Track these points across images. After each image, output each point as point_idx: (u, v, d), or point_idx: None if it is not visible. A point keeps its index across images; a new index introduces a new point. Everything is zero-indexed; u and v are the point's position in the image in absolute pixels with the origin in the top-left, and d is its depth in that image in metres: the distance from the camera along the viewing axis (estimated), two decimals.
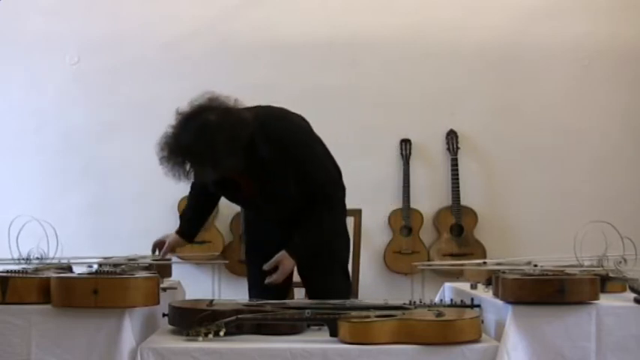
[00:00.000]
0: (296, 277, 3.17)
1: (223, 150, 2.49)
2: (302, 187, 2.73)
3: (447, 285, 3.21)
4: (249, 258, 3.12)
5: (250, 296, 2.93)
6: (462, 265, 3.49)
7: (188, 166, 2.53)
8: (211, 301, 2.50)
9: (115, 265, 2.59)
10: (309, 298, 2.94)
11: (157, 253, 3.10)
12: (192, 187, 3.07)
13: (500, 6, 4.84)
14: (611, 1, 4.88)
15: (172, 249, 3.11)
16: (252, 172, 2.66)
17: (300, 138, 2.77)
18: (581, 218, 2.84)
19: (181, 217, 3.30)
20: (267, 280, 2.75)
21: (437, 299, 3.08)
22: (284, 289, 2.93)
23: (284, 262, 2.76)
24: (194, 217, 3.17)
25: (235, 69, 4.75)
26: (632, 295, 2.48)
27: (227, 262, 4.52)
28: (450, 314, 2.27)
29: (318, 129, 2.92)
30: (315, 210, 2.78)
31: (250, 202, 2.88)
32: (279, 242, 2.82)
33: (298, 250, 2.78)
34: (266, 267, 2.76)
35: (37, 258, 2.61)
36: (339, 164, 2.93)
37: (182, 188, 4.63)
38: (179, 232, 3.14)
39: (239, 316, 2.28)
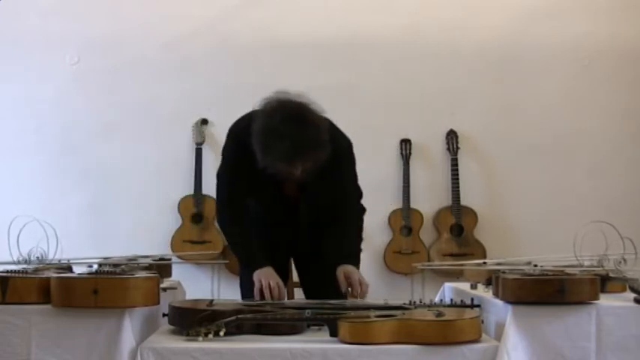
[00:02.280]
0: (295, 278, 3.18)
1: (327, 147, 2.54)
2: (340, 194, 2.84)
3: (447, 285, 3.21)
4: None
5: (244, 297, 2.90)
6: (461, 265, 3.49)
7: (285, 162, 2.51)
8: (211, 301, 2.50)
9: (115, 265, 2.59)
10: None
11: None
12: (235, 207, 2.86)
13: (500, 6, 4.84)
14: (611, 1, 4.88)
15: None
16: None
17: (351, 148, 2.88)
18: (581, 218, 2.84)
19: (251, 250, 2.85)
20: (354, 297, 2.69)
21: (437, 299, 3.08)
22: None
23: (353, 274, 2.75)
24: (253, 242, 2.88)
25: (235, 69, 4.75)
26: (632, 295, 2.48)
27: (227, 262, 4.52)
28: (450, 314, 2.27)
29: None
30: (349, 218, 2.90)
31: (284, 201, 2.84)
32: (288, 245, 2.89)
33: (355, 260, 2.84)
34: (345, 289, 2.72)
35: (37, 258, 2.61)
36: None
37: (182, 188, 4.71)
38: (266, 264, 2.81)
39: (239, 316, 2.28)
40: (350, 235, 2.90)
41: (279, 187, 2.78)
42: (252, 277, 2.75)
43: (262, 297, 2.68)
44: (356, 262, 2.85)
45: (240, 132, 2.71)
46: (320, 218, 2.87)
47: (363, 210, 3.01)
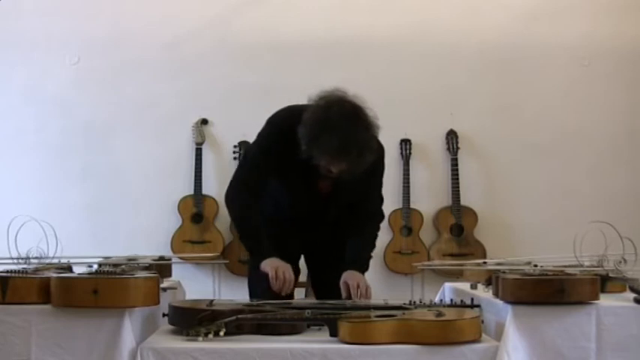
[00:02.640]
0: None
1: (373, 152, 2.59)
2: (365, 198, 2.89)
3: (447, 285, 3.21)
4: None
5: (254, 295, 2.89)
6: (461, 265, 3.49)
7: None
8: (211, 301, 2.50)
9: (115, 265, 2.59)
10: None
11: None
12: (248, 196, 2.82)
13: (500, 6, 4.84)
14: (611, 1, 4.88)
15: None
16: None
17: (384, 157, 2.90)
18: (581, 218, 2.85)
19: (261, 239, 2.82)
20: (358, 300, 2.69)
21: (437, 299, 3.08)
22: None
23: (361, 280, 2.78)
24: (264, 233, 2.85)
25: (235, 69, 4.75)
26: (632, 295, 2.48)
27: (227, 261, 4.52)
28: (450, 314, 2.27)
29: None
30: (368, 226, 2.94)
31: (314, 196, 2.84)
32: (303, 241, 2.92)
33: (361, 266, 2.85)
34: (355, 295, 2.72)
35: (37, 258, 2.61)
36: None
37: (182, 188, 4.71)
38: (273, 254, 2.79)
39: (239, 316, 2.28)
40: (365, 243, 2.93)
41: (314, 182, 2.78)
42: (262, 265, 2.73)
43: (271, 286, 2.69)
44: (362, 268, 2.86)
45: (285, 120, 2.71)
46: (342, 217, 2.91)
47: (382, 217, 3.05)
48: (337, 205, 2.89)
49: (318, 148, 2.53)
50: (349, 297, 2.72)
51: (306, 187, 2.80)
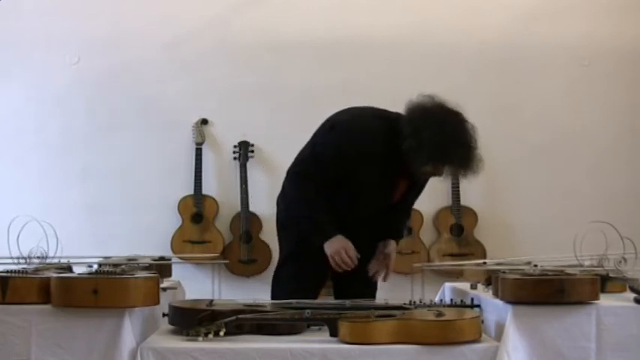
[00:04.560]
0: None
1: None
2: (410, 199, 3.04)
3: (447, 285, 3.21)
4: (302, 259, 2.94)
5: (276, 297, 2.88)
6: (461, 265, 3.49)
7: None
8: (211, 301, 2.50)
9: (115, 265, 2.59)
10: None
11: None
12: (316, 190, 2.81)
13: (500, 6, 4.84)
14: (611, 1, 4.88)
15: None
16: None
17: None
18: (581, 218, 2.85)
19: (322, 221, 2.81)
20: (375, 275, 2.92)
21: (437, 299, 3.08)
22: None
23: (392, 251, 2.97)
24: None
25: (235, 69, 4.75)
26: (632, 295, 2.48)
27: (227, 261, 4.52)
28: (450, 314, 2.27)
29: None
30: (404, 215, 3.10)
31: (382, 206, 2.88)
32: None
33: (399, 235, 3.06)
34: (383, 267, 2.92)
35: (37, 258, 2.61)
36: None
37: (182, 188, 4.71)
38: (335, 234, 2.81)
39: (239, 316, 2.28)
40: (401, 215, 3.08)
41: (391, 190, 2.84)
42: (325, 246, 2.78)
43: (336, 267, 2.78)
44: (398, 235, 3.06)
45: (377, 129, 2.75)
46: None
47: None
48: (401, 207, 3.00)
49: (444, 158, 2.64)
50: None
51: (381, 191, 2.82)
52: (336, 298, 2.96)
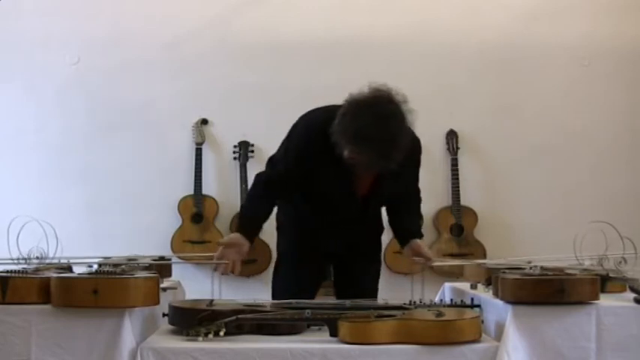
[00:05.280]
0: None
1: (405, 145, 2.56)
2: (408, 188, 2.97)
3: (447, 285, 3.21)
4: (298, 259, 2.96)
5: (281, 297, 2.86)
6: (461, 265, 3.49)
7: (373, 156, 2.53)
8: (211, 301, 2.50)
9: (115, 265, 2.59)
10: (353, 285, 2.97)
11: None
12: (271, 189, 2.87)
13: (500, 6, 4.84)
14: (611, 1, 4.88)
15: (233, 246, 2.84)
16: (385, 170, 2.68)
17: (421, 149, 2.94)
18: (581, 218, 2.84)
19: (252, 219, 2.87)
20: (417, 267, 3.06)
21: (437, 299, 3.08)
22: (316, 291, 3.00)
23: (422, 248, 2.94)
24: (262, 220, 2.88)
25: (235, 69, 4.75)
26: (632, 295, 2.48)
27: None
28: (450, 314, 2.27)
29: None
30: (413, 205, 3.05)
31: (349, 201, 2.82)
32: (341, 245, 2.92)
33: (420, 235, 3.02)
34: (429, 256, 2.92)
35: (37, 258, 2.61)
36: None
37: (182, 188, 4.71)
38: (247, 233, 2.82)
39: (239, 316, 2.28)
40: (416, 213, 3.08)
41: (349, 184, 2.77)
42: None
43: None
44: (420, 236, 3.02)
45: (320, 123, 2.67)
46: (375, 217, 2.99)
47: (420, 200, 3.14)
48: (376, 205, 2.93)
49: (340, 133, 2.53)
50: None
51: (341, 187, 2.77)
52: (338, 297, 2.97)
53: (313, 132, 2.72)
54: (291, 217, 2.97)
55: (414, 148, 2.75)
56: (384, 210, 3.07)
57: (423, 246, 2.95)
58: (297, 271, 2.92)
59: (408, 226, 3.00)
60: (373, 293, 3.00)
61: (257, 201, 2.88)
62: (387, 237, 4.64)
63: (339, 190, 2.78)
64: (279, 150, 2.90)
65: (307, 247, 2.90)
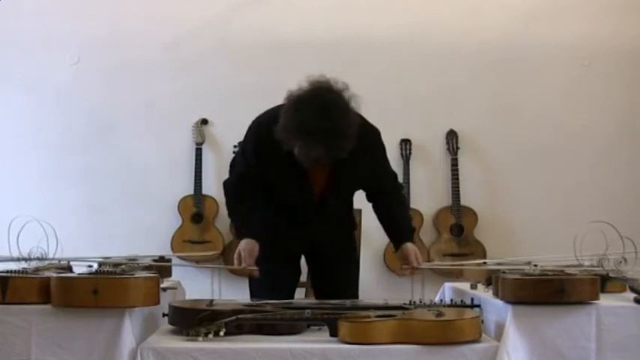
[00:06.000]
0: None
1: (352, 133, 2.52)
2: (376, 181, 2.88)
3: (447, 285, 3.21)
4: (270, 258, 2.92)
5: (255, 295, 2.88)
6: (461, 265, 3.49)
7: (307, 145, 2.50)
8: (211, 301, 2.50)
9: (115, 265, 2.59)
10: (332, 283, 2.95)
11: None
12: (244, 189, 2.87)
13: (500, 6, 4.85)
14: (611, 1, 4.88)
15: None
16: (340, 162, 2.62)
17: (380, 135, 2.90)
18: (581, 218, 2.84)
19: (243, 222, 2.89)
20: (406, 272, 2.85)
21: (437, 299, 3.08)
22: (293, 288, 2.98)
23: (417, 251, 2.86)
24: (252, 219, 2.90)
25: (235, 69, 4.76)
26: (632, 295, 2.48)
27: (227, 267, 4.51)
28: (450, 314, 2.27)
29: None
30: (396, 199, 2.96)
31: (307, 198, 2.81)
32: (301, 244, 2.91)
33: (410, 237, 2.93)
34: (415, 263, 2.82)
35: (37, 258, 2.61)
36: None
37: (182, 188, 4.71)
38: (248, 234, 2.83)
39: (239, 316, 2.28)
40: (404, 214, 3.00)
41: (304, 178, 2.74)
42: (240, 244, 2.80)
43: (239, 262, 2.76)
44: (411, 238, 2.93)
45: (268, 123, 2.67)
46: (336, 214, 2.90)
47: (402, 186, 3.07)
48: (336, 199, 2.86)
49: (285, 130, 2.52)
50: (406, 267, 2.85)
51: (297, 185, 2.77)
52: (315, 293, 3.03)
53: (262, 132, 2.74)
54: (261, 219, 2.93)
55: (365, 133, 2.68)
56: (364, 206, 3.07)
57: (411, 252, 2.84)
58: (271, 270, 2.86)
59: (396, 229, 2.95)
60: (351, 289, 2.95)
61: (235, 204, 2.90)
62: (386, 237, 4.67)
63: (296, 189, 2.78)
64: (237, 153, 2.98)
65: (277, 247, 2.88)
